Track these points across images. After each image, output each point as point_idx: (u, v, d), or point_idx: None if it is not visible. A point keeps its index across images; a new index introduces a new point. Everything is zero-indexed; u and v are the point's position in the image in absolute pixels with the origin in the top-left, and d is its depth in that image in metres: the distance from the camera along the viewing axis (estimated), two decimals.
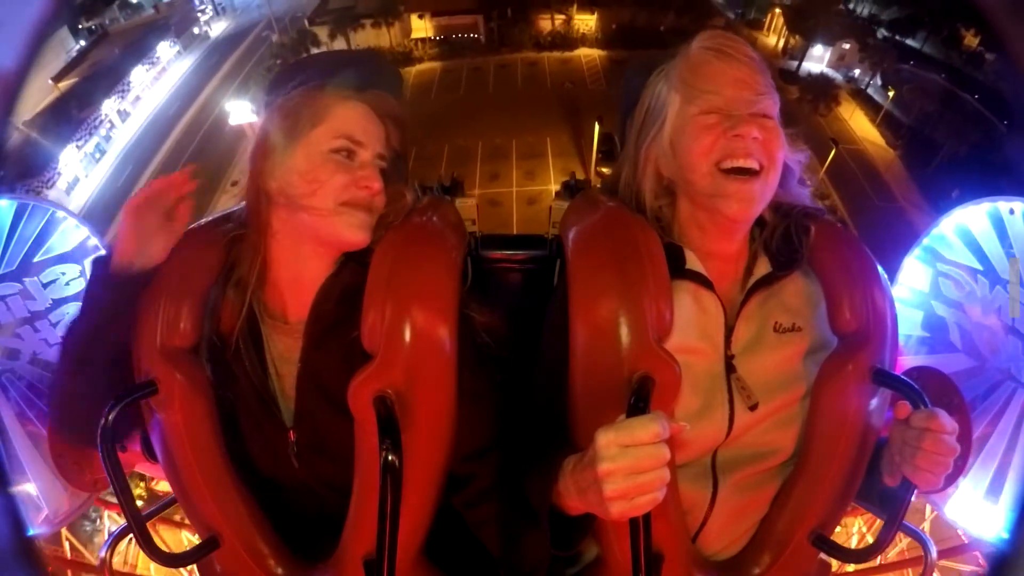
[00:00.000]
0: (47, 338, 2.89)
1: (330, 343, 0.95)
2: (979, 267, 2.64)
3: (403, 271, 0.91)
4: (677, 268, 0.95)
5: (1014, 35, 0.62)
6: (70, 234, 2.87)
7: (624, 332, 0.88)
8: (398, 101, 1.04)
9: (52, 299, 2.86)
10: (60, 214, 2.90)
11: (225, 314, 0.96)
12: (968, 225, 2.70)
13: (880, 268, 1.01)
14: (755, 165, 0.91)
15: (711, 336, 0.97)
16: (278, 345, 0.99)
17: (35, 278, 2.79)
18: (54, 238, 2.83)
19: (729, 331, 0.98)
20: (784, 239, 0.99)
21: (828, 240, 1.00)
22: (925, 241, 2.79)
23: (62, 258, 2.84)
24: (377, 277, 0.91)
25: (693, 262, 0.97)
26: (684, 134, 0.94)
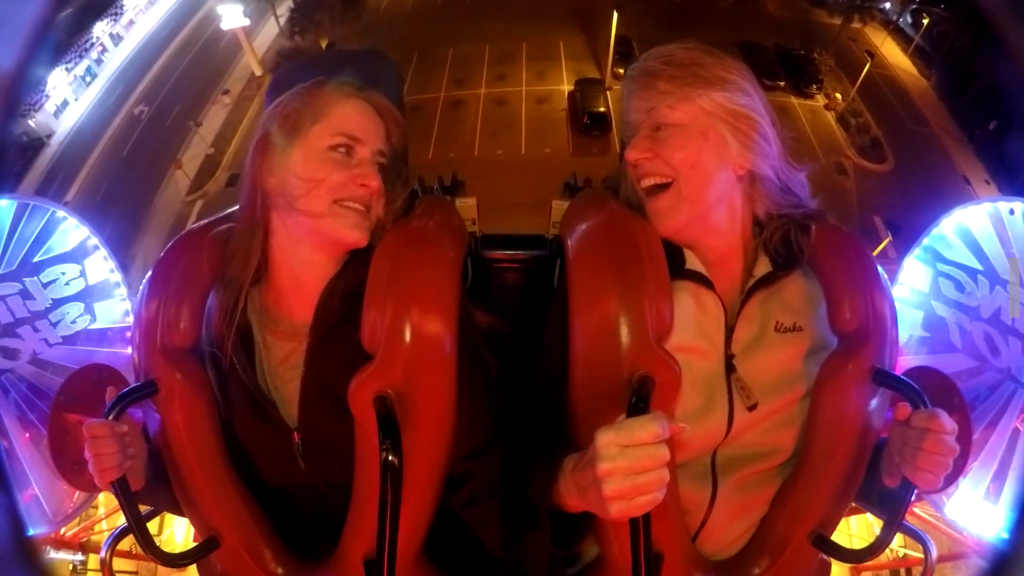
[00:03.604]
0: (47, 338, 2.90)
1: (334, 344, 0.94)
2: (979, 267, 2.65)
3: (403, 271, 0.91)
4: (677, 268, 0.95)
5: (1014, 35, 0.62)
6: (70, 234, 2.88)
7: (624, 332, 0.88)
8: (398, 102, 1.04)
9: (52, 299, 2.87)
10: (60, 214, 2.91)
11: (221, 314, 0.96)
12: (968, 225, 2.70)
13: (880, 268, 1.01)
14: (659, 180, 0.95)
15: (711, 336, 0.97)
16: (283, 349, 0.98)
17: (35, 278, 2.80)
18: (54, 238, 2.85)
19: (729, 331, 0.98)
20: (784, 239, 0.99)
21: (828, 241, 1.00)
22: (925, 241, 2.80)
23: (62, 258, 2.85)
24: (377, 277, 0.91)
25: (693, 262, 0.97)
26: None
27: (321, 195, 0.91)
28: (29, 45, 0.57)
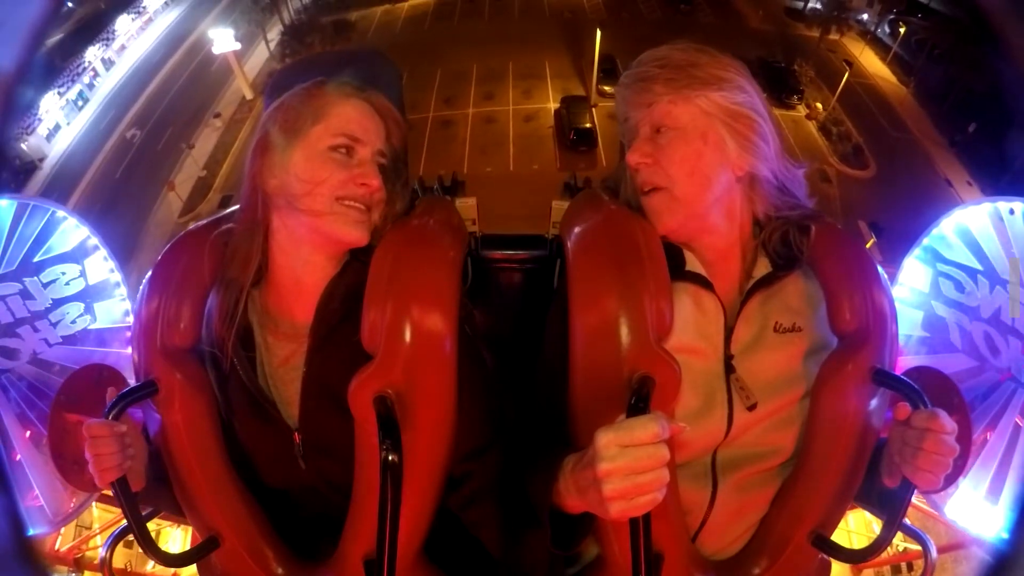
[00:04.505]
0: (47, 338, 2.90)
1: (335, 345, 0.94)
2: (979, 267, 2.65)
3: (403, 271, 0.91)
4: (677, 269, 0.95)
5: (1014, 35, 0.62)
6: (70, 234, 2.88)
7: (624, 332, 0.88)
8: (398, 101, 1.04)
9: (52, 299, 2.87)
10: (60, 214, 2.91)
11: (222, 315, 0.96)
12: (968, 225, 2.70)
13: (880, 268, 1.01)
14: (654, 187, 0.95)
15: (710, 336, 0.97)
16: (283, 350, 0.98)
17: (35, 278, 2.80)
18: (54, 238, 2.84)
19: (729, 331, 0.98)
20: (783, 240, 0.99)
21: (828, 241, 1.00)
22: (925, 241, 2.80)
23: (62, 258, 2.85)
24: (377, 277, 0.91)
25: (693, 263, 0.97)
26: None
27: (323, 194, 0.91)
28: (29, 45, 0.57)
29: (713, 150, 0.92)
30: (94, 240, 2.93)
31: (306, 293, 0.97)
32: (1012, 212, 2.58)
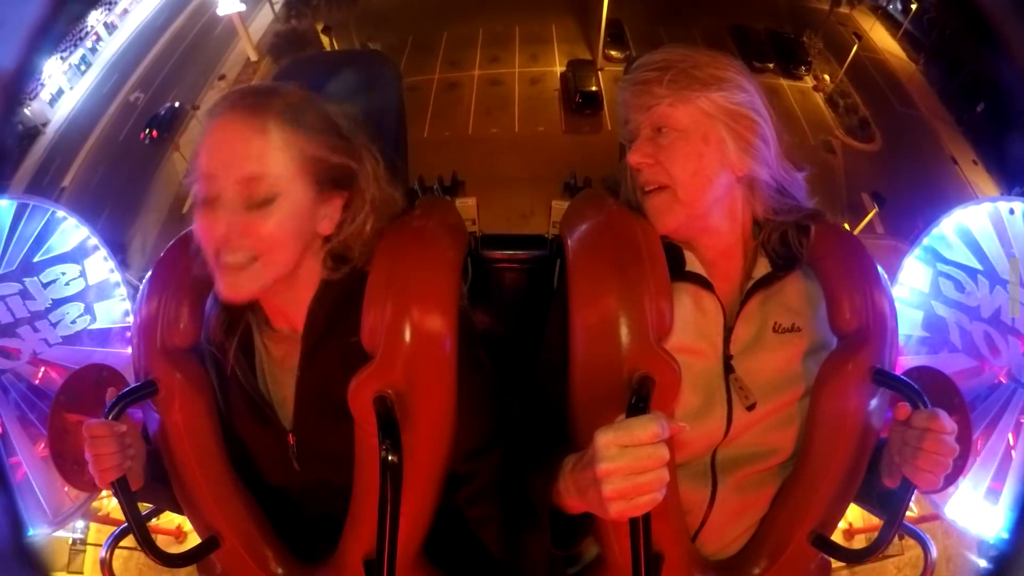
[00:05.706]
0: (47, 338, 2.90)
1: (328, 348, 0.94)
2: (979, 267, 2.65)
3: (403, 271, 0.91)
4: (677, 269, 0.95)
5: (1014, 35, 0.62)
6: (70, 234, 2.88)
7: (624, 332, 0.88)
8: (398, 102, 1.03)
9: (52, 299, 2.87)
10: (60, 214, 2.91)
11: (221, 316, 0.96)
12: (968, 225, 2.71)
13: (880, 268, 1.01)
14: (657, 186, 0.95)
15: (710, 337, 0.97)
16: (279, 351, 0.98)
17: (35, 278, 2.80)
18: (54, 238, 2.85)
19: (728, 331, 0.98)
20: (783, 240, 0.99)
21: (828, 240, 1.00)
22: (925, 241, 2.80)
23: (62, 258, 2.86)
24: (377, 277, 0.91)
25: (693, 263, 0.97)
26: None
27: (207, 251, 0.85)
28: (28, 45, 0.57)
29: (714, 151, 0.92)
30: (94, 240, 2.93)
31: (297, 296, 0.96)
32: (1012, 212, 2.58)
